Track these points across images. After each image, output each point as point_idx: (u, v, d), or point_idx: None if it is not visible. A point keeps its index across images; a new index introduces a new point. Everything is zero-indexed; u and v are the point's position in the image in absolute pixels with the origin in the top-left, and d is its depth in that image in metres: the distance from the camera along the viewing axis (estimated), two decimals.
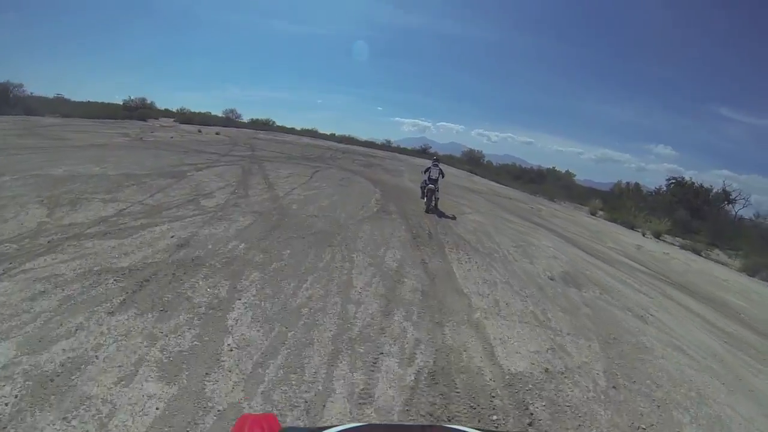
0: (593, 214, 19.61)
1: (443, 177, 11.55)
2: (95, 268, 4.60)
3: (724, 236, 17.73)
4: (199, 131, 24.84)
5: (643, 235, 15.65)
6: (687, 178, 25.17)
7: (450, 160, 33.95)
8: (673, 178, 25.94)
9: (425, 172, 11.52)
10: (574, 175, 34.13)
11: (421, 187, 11.81)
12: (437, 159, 11.88)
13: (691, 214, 22.06)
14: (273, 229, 6.90)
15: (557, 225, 13.94)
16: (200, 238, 6.00)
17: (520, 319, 5.09)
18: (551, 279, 7.12)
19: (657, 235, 15.74)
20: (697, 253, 13.85)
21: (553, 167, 34.43)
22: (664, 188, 27.43)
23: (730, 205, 23.13)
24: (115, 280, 4.41)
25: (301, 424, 2.80)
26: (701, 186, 24.35)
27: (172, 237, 5.89)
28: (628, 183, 31.59)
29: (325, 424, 0.86)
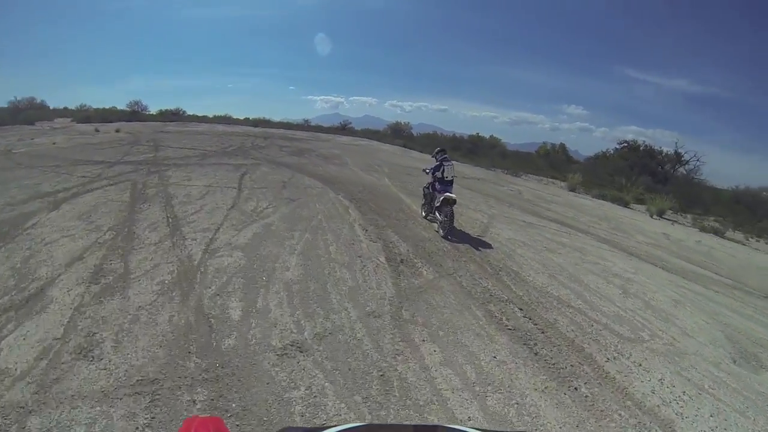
0: (573, 190, 17.36)
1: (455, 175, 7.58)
2: None
3: (702, 204, 16.56)
4: (96, 130, 19.85)
5: (652, 217, 13.54)
6: (639, 142, 24.27)
7: (375, 135, 30.76)
8: (625, 142, 24.93)
9: (431, 172, 7.48)
10: (500, 140, 32.23)
11: (424, 194, 7.78)
12: (444, 150, 7.64)
13: (654, 180, 21.09)
14: None
15: (567, 216, 10.97)
16: None
17: None
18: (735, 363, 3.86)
19: (660, 214, 13.76)
20: (720, 235, 11.99)
21: (477, 133, 32.20)
22: (612, 152, 26.58)
23: (683, 167, 22.65)
24: None
25: None
26: (653, 148, 23.62)
27: None
28: (553, 145, 30.42)
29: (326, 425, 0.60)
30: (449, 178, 7.22)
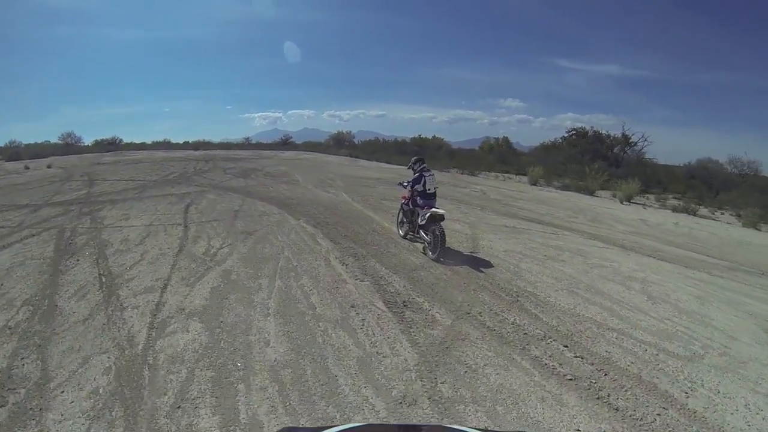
0: (535, 183, 17.35)
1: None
2: None
3: (659, 183, 17.10)
4: (26, 168, 17.85)
5: (622, 203, 13.59)
6: (587, 128, 25.07)
7: (317, 147, 30.32)
8: (573, 129, 25.64)
9: (409, 185, 6.58)
10: (443, 139, 32.38)
11: (403, 211, 6.86)
12: (422, 160, 6.70)
13: (607, 164, 21.72)
14: None
15: (542, 213, 10.60)
16: None
17: None
18: None
19: (629, 198, 13.88)
20: (693, 213, 12.15)
21: (419, 135, 32.24)
22: (560, 140, 27.32)
23: (631, 149, 23.55)
24: None
25: None
26: (600, 133, 24.43)
27: None
28: (496, 139, 30.93)
29: (326, 425, 0.67)
30: (431, 191, 6.42)
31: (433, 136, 32.12)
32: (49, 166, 17.66)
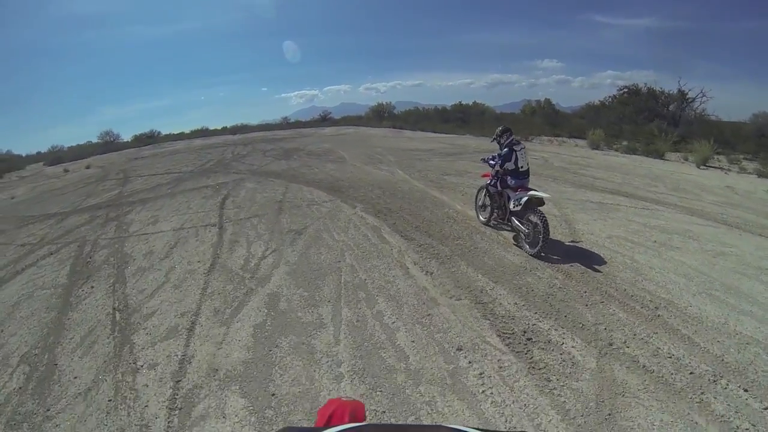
0: (596, 147, 15.40)
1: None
2: None
3: (728, 142, 14.60)
4: (66, 171, 17.49)
5: (699, 167, 11.55)
6: (640, 85, 22.21)
7: (358, 121, 28.44)
8: (625, 87, 22.79)
9: (497, 162, 5.05)
10: (486, 105, 29.79)
11: (488, 193, 5.38)
12: (510, 130, 5.11)
13: (666, 123, 19.26)
14: None
15: (618, 182, 8.88)
16: None
17: None
18: None
19: (704, 161, 11.81)
20: None
21: (459, 102, 29.11)
22: (610, 100, 24.58)
23: (688, 106, 20.81)
24: None
25: None
26: (654, 90, 21.69)
27: None
28: (538, 101, 28.14)
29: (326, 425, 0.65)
30: (524, 168, 4.93)
31: (474, 102, 29.73)
32: (87, 167, 17.10)
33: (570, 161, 11.80)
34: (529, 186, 4.96)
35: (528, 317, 3.35)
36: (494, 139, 5.22)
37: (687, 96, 20.84)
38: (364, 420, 0.76)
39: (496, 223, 5.55)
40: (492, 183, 5.23)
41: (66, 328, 3.68)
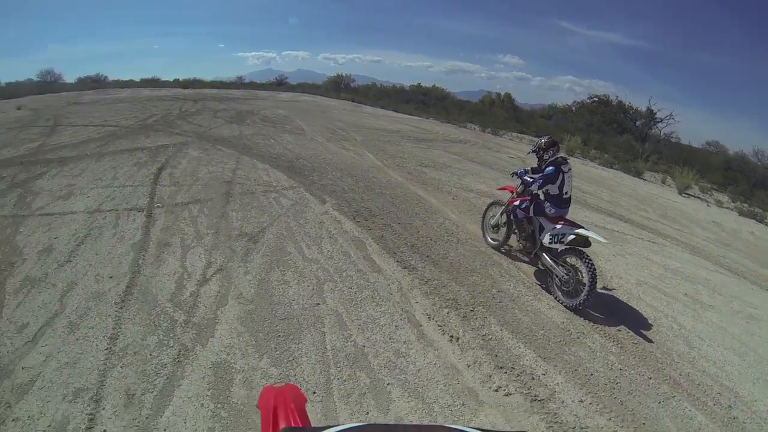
0: (571, 154, 14.83)
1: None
2: None
3: (696, 170, 14.69)
4: None
5: (680, 194, 11.30)
6: (611, 97, 22.12)
7: (315, 89, 26.82)
8: (596, 96, 22.73)
9: (536, 183, 3.89)
10: (446, 90, 28.53)
11: (515, 219, 4.15)
12: (556, 144, 3.98)
13: (633, 138, 19.46)
14: None
15: (605, 200, 8.25)
16: None
17: None
18: None
19: (686, 189, 11.65)
20: (759, 220, 10.01)
21: (419, 83, 28.31)
22: (577, 106, 24.55)
23: (655, 125, 21.11)
24: None
25: None
26: (624, 104, 21.75)
27: None
28: (498, 94, 27.37)
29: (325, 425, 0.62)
30: (567, 194, 3.83)
31: (434, 85, 28.46)
32: (19, 108, 13.77)
33: None
34: (569, 217, 3.91)
35: (604, 428, 2.32)
36: (534, 150, 4.07)
37: (656, 115, 21.21)
38: (306, 400, 0.74)
39: (508, 248, 4.53)
40: (523, 206, 4.07)
41: None
